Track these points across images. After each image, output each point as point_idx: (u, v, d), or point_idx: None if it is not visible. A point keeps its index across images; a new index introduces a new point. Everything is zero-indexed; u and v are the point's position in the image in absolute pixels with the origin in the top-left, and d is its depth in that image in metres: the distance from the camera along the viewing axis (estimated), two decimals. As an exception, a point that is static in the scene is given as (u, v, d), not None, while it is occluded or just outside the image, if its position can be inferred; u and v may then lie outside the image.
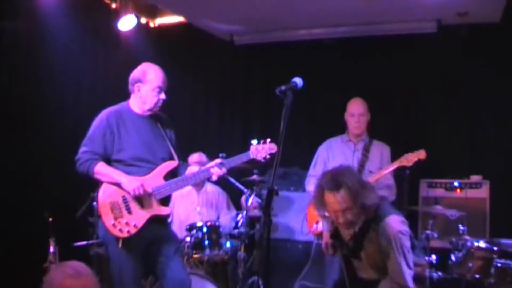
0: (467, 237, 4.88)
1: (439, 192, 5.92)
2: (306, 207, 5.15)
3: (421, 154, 4.65)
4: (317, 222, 4.90)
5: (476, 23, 5.88)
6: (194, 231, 5.10)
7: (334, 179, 3.49)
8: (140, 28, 6.61)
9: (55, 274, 2.61)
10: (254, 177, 5.54)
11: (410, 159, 4.66)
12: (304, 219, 5.24)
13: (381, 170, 4.82)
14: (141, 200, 3.85)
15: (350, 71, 6.46)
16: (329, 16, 6.05)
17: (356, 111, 5.02)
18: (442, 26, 5.97)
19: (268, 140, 4.10)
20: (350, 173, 3.60)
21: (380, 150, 5.03)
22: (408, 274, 3.49)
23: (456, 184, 5.84)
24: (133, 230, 3.81)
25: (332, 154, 5.08)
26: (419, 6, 5.63)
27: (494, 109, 6.02)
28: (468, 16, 5.78)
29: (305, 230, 5.31)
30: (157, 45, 6.88)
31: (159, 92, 3.98)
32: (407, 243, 3.52)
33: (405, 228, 3.55)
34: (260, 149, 4.09)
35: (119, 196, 3.84)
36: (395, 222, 3.51)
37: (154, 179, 3.92)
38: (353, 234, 3.63)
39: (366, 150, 5.02)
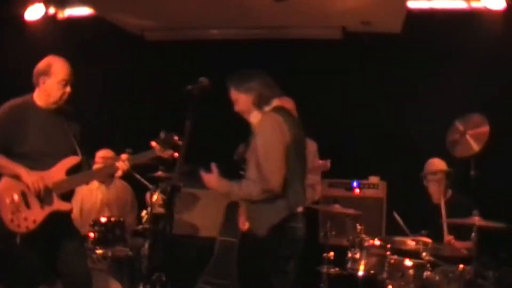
0: (363, 235, 5.13)
1: (339, 192, 6.18)
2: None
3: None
4: None
5: (378, 32, 6.20)
6: (97, 227, 5.04)
7: None
8: (48, 18, 6.44)
9: None
10: (160, 173, 5.53)
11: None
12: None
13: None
14: (41, 195, 3.77)
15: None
16: (239, 18, 6.16)
17: None
18: (347, 33, 6.25)
19: (176, 137, 4.10)
20: None
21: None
22: None
23: (355, 184, 6.14)
24: (32, 226, 3.74)
25: None
26: (325, 13, 5.87)
27: (392, 112, 6.34)
28: (371, 25, 6.09)
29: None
30: (66, 37, 6.70)
31: (65, 85, 3.91)
32: None
33: None
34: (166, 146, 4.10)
35: (18, 190, 3.76)
36: None
37: (55, 174, 3.85)
38: None
39: None
